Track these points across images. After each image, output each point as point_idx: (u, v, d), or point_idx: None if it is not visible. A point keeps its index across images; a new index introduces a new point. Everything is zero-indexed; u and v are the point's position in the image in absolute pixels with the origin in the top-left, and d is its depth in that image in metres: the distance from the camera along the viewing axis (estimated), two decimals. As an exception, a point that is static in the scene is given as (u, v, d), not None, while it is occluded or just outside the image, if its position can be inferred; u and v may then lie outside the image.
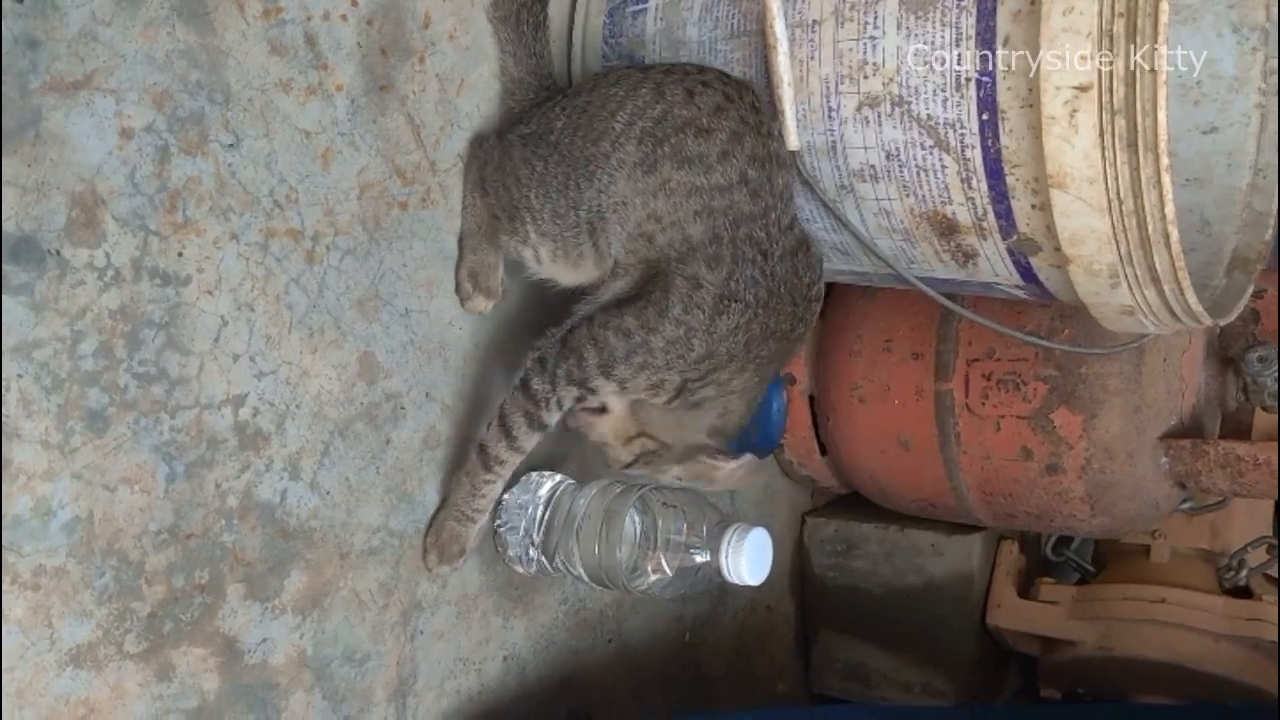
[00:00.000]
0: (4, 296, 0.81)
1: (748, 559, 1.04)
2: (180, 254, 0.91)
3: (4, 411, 0.81)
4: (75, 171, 0.84)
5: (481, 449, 1.09)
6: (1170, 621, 1.47)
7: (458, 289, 1.16)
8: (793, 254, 1.03)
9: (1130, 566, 1.58)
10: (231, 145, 0.94)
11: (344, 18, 1.02)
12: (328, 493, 1.04)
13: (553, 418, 1.06)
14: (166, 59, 0.90)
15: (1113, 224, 0.92)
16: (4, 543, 0.82)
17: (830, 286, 1.55)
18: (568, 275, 1.11)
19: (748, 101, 1.03)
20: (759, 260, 1.00)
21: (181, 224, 0.91)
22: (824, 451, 1.57)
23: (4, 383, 0.81)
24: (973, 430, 1.38)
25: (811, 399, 1.55)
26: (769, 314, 1.02)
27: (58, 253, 0.84)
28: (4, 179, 0.80)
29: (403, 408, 1.10)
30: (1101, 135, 0.88)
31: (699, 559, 1.07)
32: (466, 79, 1.15)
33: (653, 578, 1.09)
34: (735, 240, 1.00)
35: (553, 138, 1.07)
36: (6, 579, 0.82)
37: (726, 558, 1.05)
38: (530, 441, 1.07)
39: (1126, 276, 0.95)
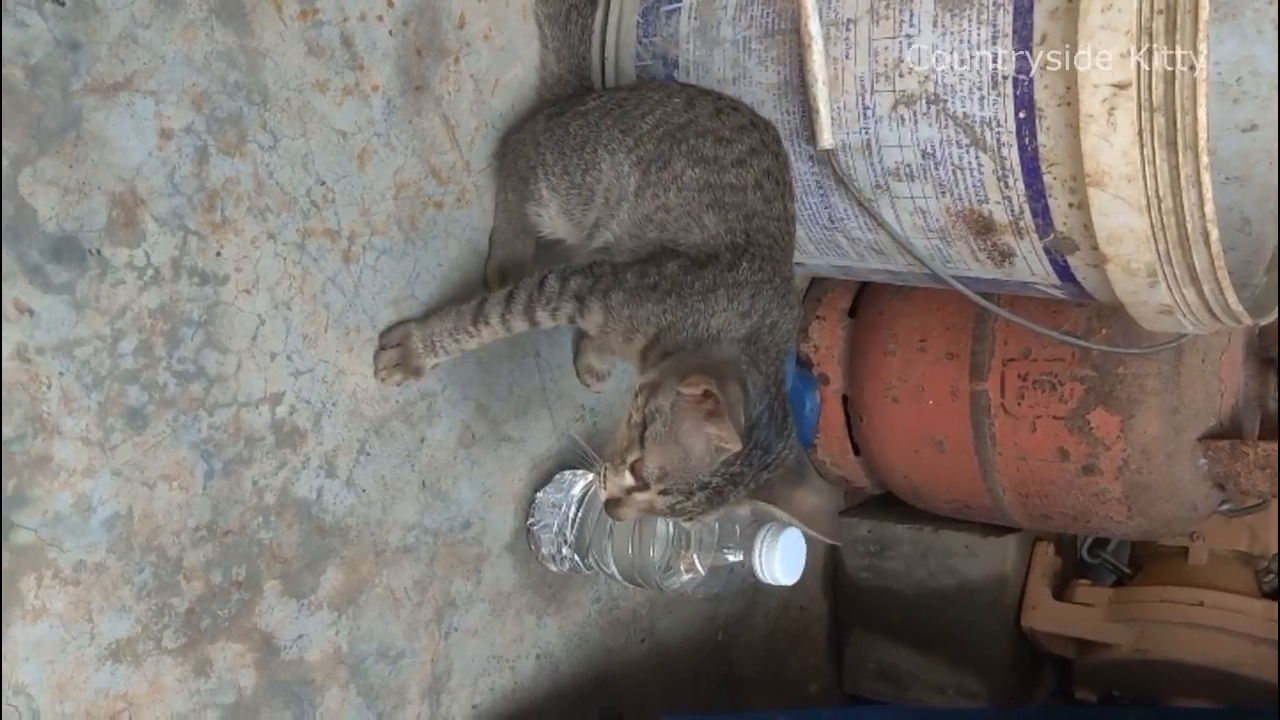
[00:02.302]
0: (46, 295, 0.82)
1: (781, 559, 1.04)
2: (218, 253, 0.92)
3: (46, 409, 0.82)
4: (115, 172, 0.85)
5: (481, 303, 1.05)
6: (1208, 624, 1.45)
7: (487, 285, 1.16)
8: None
9: (1168, 569, 1.57)
10: (269, 146, 0.95)
11: (380, 18, 1.03)
12: (363, 490, 1.04)
13: (542, 319, 1.02)
14: (205, 60, 0.91)
15: (1151, 222, 0.91)
16: (46, 538, 0.83)
17: (864, 285, 1.55)
18: (567, 231, 1.12)
19: (771, 134, 1.06)
20: (775, 249, 1.01)
21: (220, 223, 0.92)
22: (857, 452, 1.56)
23: (46, 380, 0.82)
24: (1008, 431, 1.37)
25: (845, 398, 1.55)
26: (759, 303, 0.98)
27: (98, 252, 0.85)
28: (46, 179, 0.81)
29: (437, 406, 1.11)
30: (1140, 133, 0.87)
31: (732, 558, 1.07)
32: (501, 79, 1.15)
33: (686, 577, 1.09)
34: (749, 231, 1.00)
35: (582, 108, 1.09)
36: (48, 574, 0.83)
37: (760, 557, 1.05)
38: (516, 324, 1.03)
39: (1165, 276, 0.94)
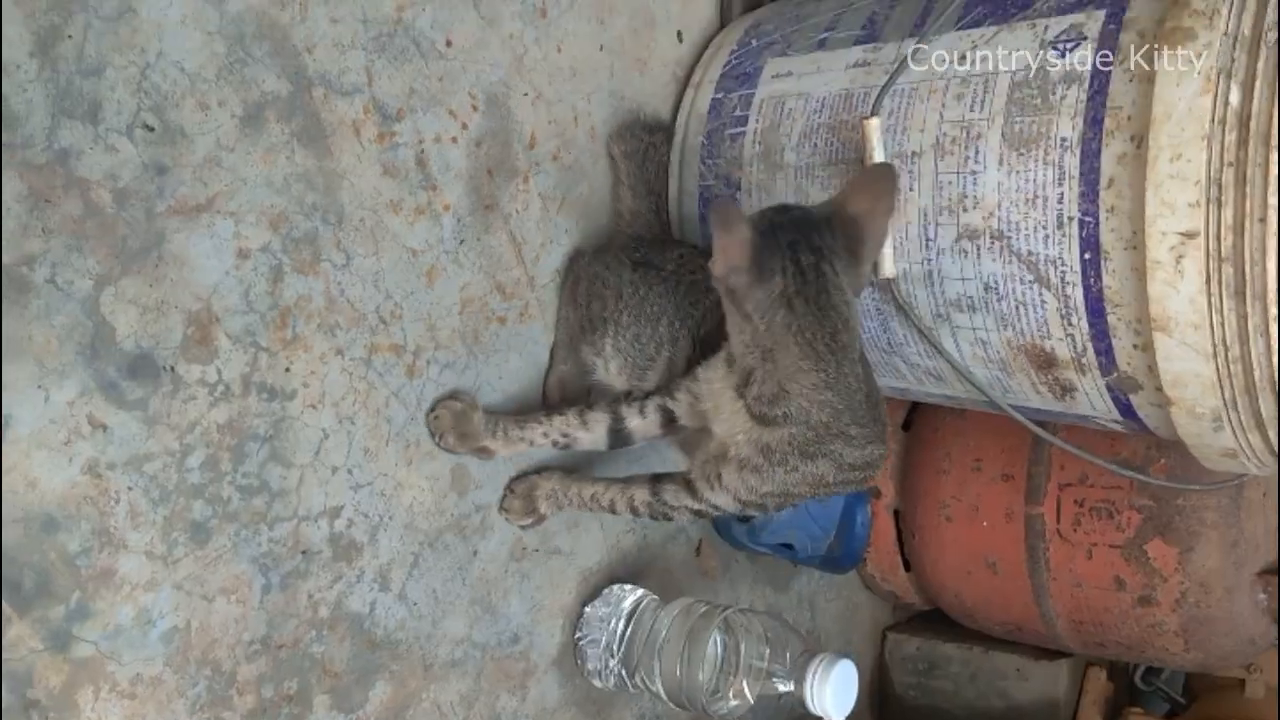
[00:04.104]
0: (120, 411, 0.84)
1: (833, 692, 1.03)
2: (288, 369, 0.94)
3: (113, 523, 0.83)
4: (193, 291, 0.87)
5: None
6: (1266, 761, 1.42)
7: (545, 397, 1.17)
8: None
9: (1223, 701, 1.53)
10: (342, 264, 0.97)
11: (454, 140, 1.05)
12: (415, 604, 1.04)
13: (629, 418, 1.05)
14: (285, 182, 0.93)
15: (1217, 370, 0.90)
16: (106, 652, 0.84)
17: (917, 403, 1.55)
18: (617, 383, 1.12)
19: None
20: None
21: (290, 340, 0.94)
22: (908, 567, 1.55)
23: (115, 495, 0.83)
24: (1063, 556, 1.35)
25: (897, 513, 1.54)
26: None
27: (172, 369, 0.86)
28: (127, 299, 0.84)
29: (491, 518, 1.11)
30: (1208, 282, 0.87)
31: (782, 688, 1.05)
32: (567, 197, 1.17)
33: (733, 703, 1.07)
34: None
35: (665, 271, 1.09)
36: (105, 687, 0.84)
37: (811, 689, 1.03)
38: (596, 427, 1.06)
39: (1230, 421, 0.93)
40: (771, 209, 0.94)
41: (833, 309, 0.91)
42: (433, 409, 1.06)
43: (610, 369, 1.11)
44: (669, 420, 1.05)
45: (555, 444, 1.08)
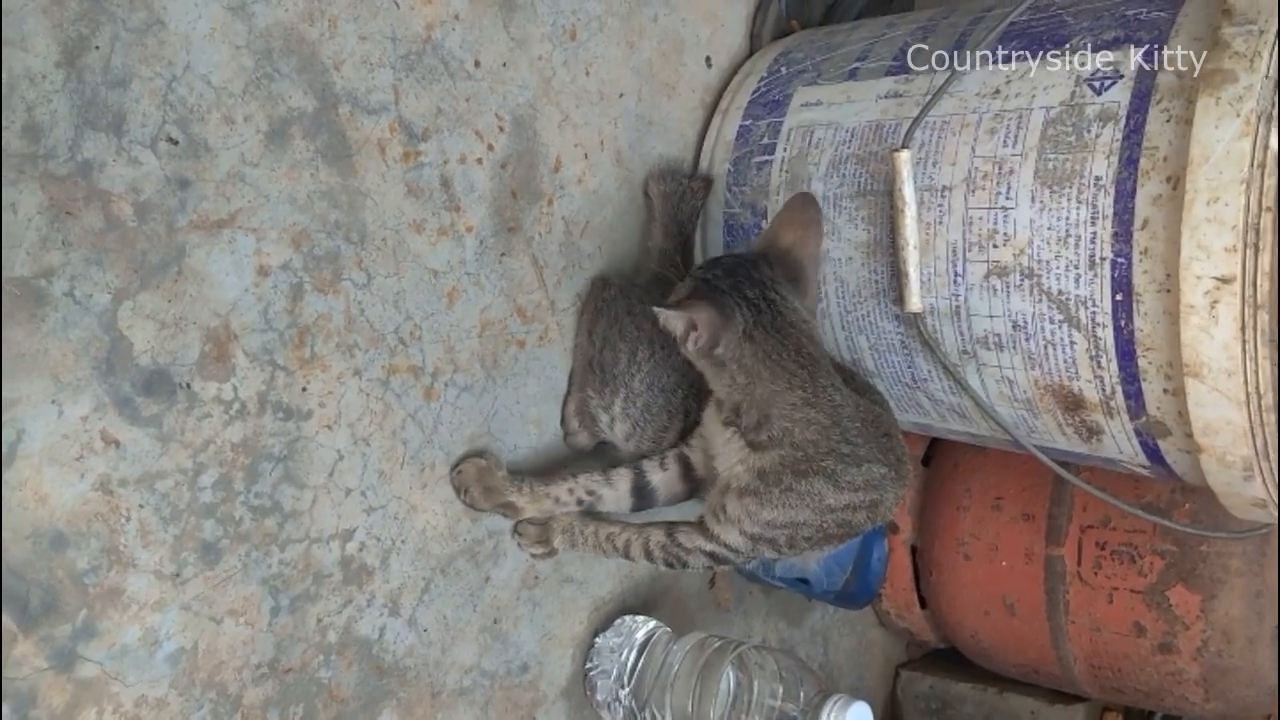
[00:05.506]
0: (134, 428, 0.82)
1: (848, 733, 1.01)
2: (304, 389, 0.92)
3: (123, 541, 0.82)
4: (212, 307, 0.86)
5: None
6: (1284, 815, 1.39)
7: (563, 423, 1.16)
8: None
9: (1242, 751, 1.50)
10: (363, 284, 0.96)
11: (479, 161, 1.04)
12: (425, 630, 1.03)
13: (650, 472, 1.07)
14: (308, 199, 0.92)
15: (1250, 418, 0.88)
16: (111, 672, 0.82)
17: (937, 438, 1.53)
18: (620, 445, 1.12)
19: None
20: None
21: (308, 359, 0.93)
22: (924, 605, 1.53)
23: (125, 512, 0.82)
24: (1083, 600, 1.33)
25: (914, 550, 1.52)
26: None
27: (188, 386, 0.85)
28: (145, 314, 0.82)
29: (504, 545, 1.10)
30: (1242, 329, 0.85)
31: (795, 728, 1.03)
32: (591, 221, 1.16)
33: (745, 742, 1.06)
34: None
35: None
36: (109, 708, 0.82)
37: (825, 730, 1.01)
38: (620, 483, 1.07)
39: (1261, 471, 0.92)
40: (700, 267, 1.00)
41: (791, 328, 0.97)
42: (456, 465, 1.05)
43: (615, 431, 1.10)
44: (687, 470, 1.07)
45: (580, 502, 1.08)
